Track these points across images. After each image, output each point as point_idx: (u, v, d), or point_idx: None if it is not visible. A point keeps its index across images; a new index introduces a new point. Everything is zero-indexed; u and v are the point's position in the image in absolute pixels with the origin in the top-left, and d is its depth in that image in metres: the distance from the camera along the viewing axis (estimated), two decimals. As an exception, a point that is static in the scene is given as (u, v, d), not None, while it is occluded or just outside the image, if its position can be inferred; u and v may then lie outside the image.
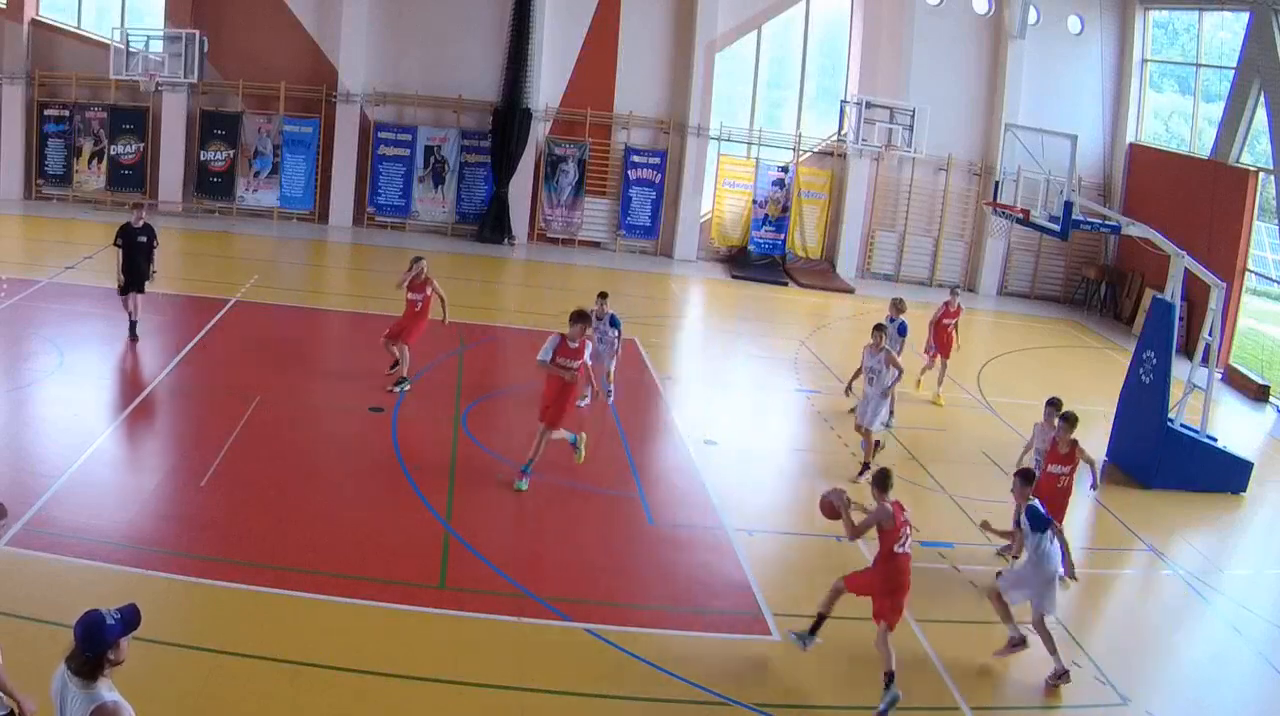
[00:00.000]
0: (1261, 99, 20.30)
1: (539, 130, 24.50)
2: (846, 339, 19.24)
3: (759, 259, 25.17)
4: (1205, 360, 14.29)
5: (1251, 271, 21.16)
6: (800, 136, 25.60)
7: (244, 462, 11.19)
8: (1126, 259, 24.39)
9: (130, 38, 21.56)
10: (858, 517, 8.54)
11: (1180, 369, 14.71)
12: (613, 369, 14.12)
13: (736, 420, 15.01)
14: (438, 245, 23.31)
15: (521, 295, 21.41)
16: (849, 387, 13.67)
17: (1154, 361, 13.88)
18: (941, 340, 16.06)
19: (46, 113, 23.33)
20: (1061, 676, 8.70)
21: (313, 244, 23.15)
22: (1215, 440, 14.16)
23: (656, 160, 24.95)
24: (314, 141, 24.11)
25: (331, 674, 7.69)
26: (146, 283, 14.68)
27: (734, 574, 10.12)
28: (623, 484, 12.04)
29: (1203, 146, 22.78)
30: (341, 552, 9.53)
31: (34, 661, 5.66)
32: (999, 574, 9.67)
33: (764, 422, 15.29)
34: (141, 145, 23.59)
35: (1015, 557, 10.67)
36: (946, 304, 16.15)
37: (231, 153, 23.88)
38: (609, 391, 14.14)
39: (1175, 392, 14.12)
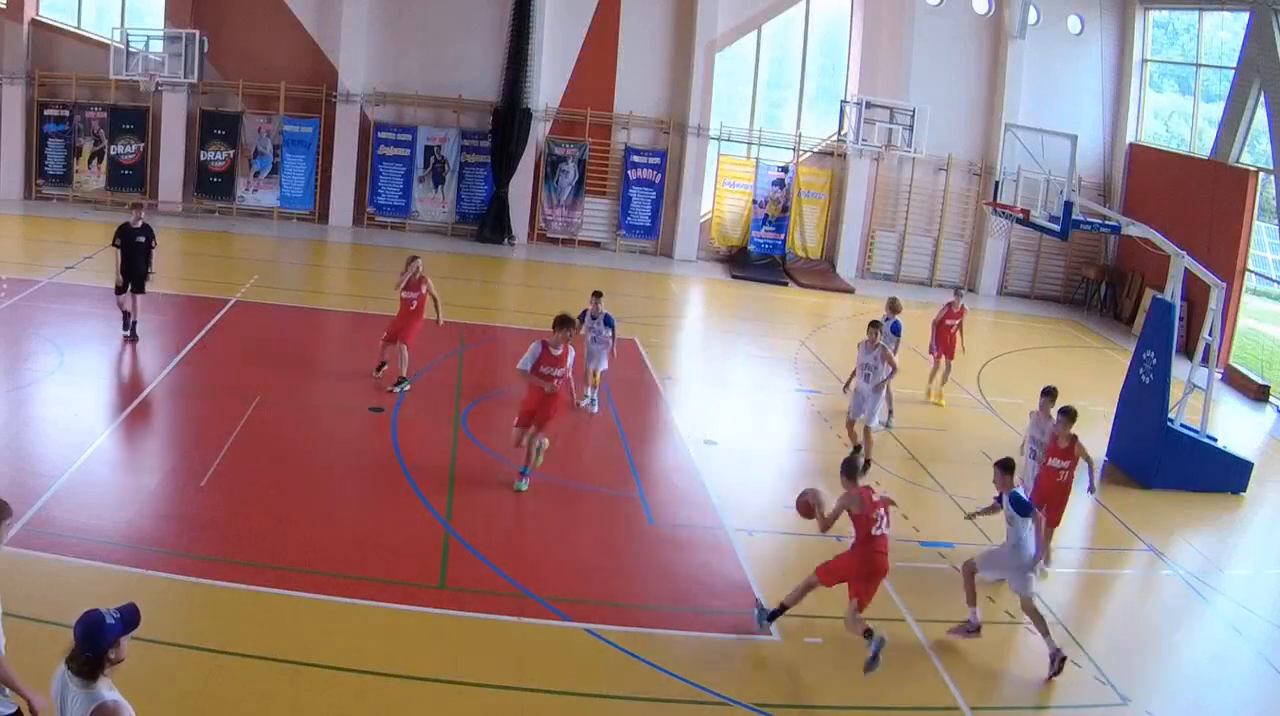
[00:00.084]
0: (1261, 99, 20.30)
1: (539, 130, 24.50)
2: (846, 339, 19.21)
3: (759, 259, 25.17)
4: (1205, 360, 14.29)
5: (1251, 271, 21.16)
6: (800, 136, 25.60)
7: (244, 462, 11.19)
8: (1126, 259, 24.39)
9: (130, 38, 21.55)
10: (829, 511, 8.66)
11: (1180, 369, 14.71)
12: (604, 369, 14.03)
13: (736, 420, 15.01)
14: (438, 245, 23.31)
15: (521, 295, 21.41)
16: (847, 386, 13.69)
17: (1154, 361, 13.88)
18: (944, 341, 16.05)
19: (46, 113, 23.34)
20: (1056, 657, 8.70)
21: (313, 244, 23.16)
22: (1215, 440, 14.16)
23: (656, 160, 24.95)
24: (314, 141, 24.11)
25: (331, 674, 7.69)
26: (145, 283, 14.68)
27: (734, 574, 10.12)
28: (623, 484, 12.04)
29: (1203, 146, 22.78)
30: (341, 552, 9.53)
31: (34, 661, 5.66)
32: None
33: (764, 422, 15.29)
34: (141, 145, 23.60)
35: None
36: (949, 305, 16.15)
37: (231, 153, 23.88)
38: (592, 400, 13.95)
39: (1175, 393, 14.12)
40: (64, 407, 12.38)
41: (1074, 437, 10.61)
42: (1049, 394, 11.32)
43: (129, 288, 14.50)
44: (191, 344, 14.98)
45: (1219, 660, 9.68)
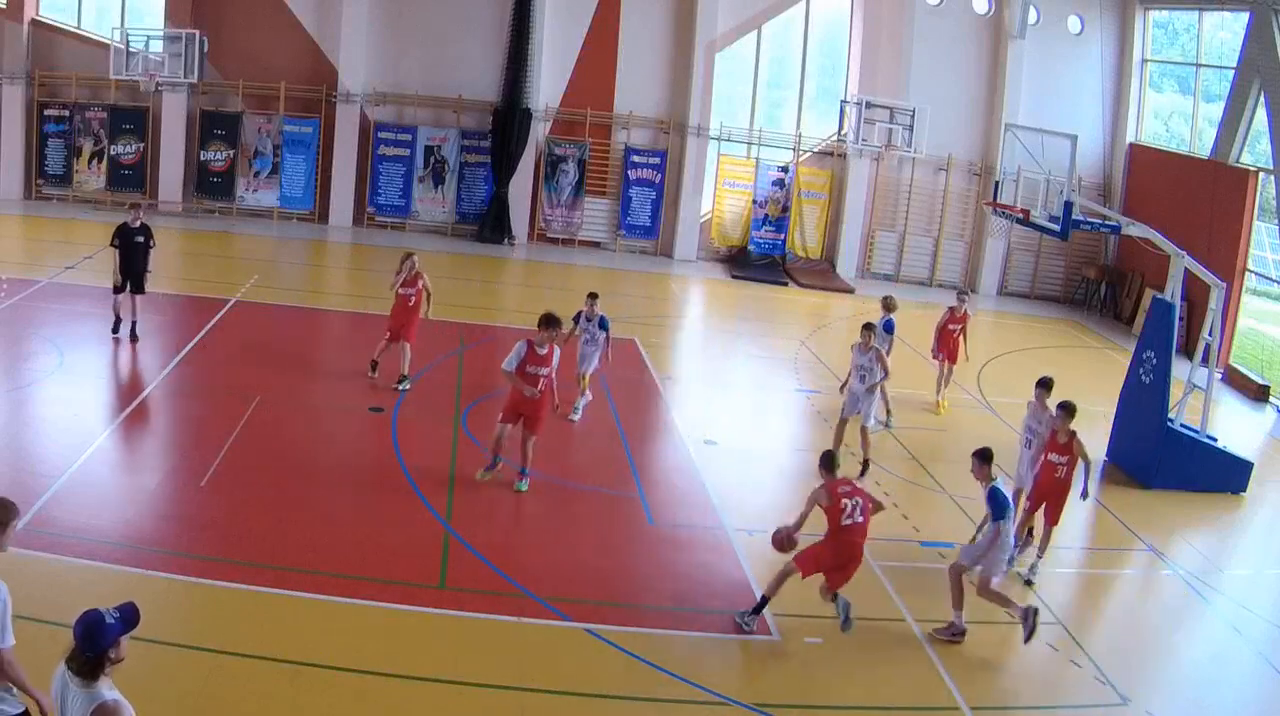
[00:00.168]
0: (1261, 99, 20.30)
1: (539, 130, 24.50)
2: (846, 339, 19.11)
3: (759, 259, 25.17)
4: (1205, 360, 14.29)
5: (1251, 271, 21.16)
6: (800, 136, 25.60)
7: (244, 463, 11.19)
8: (1126, 259, 24.39)
9: (130, 38, 21.54)
10: (795, 518, 8.98)
11: (1180, 369, 14.72)
12: (594, 370, 13.94)
13: (736, 420, 15.02)
14: (438, 245, 23.31)
15: (521, 295, 21.40)
16: (844, 386, 13.70)
17: (1154, 361, 13.88)
18: (947, 346, 16.01)
19: (46, 113, 23.33)
20: (1028, 613, 8.91)
21: (313, 244, 23.15)
22: (1215, 440, 14.16)
23: (656, 160, 24.95)
24: (314, 141, 24.10)
25: (331, 674, 7.69)
26: (145, 283, 14.67)
27: (734, 574, 10.11)
28: (623, 484, 12.04)
29: (1203, 146, 22.78)
30: (341, 552, 9.53)
31: (34, 661, 5.65)
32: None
33: (764, 422, 15.30)
34: (141, 145, 23.59)
35: (1024, 544, 10.83)
36: (952, 310, 16.09)
37: (231, 153, 23.87)
38: (576, 408, 13.82)
39: (1175, 392, 14.12)
40: (64, 407, 12.38)
41: (1073, 433, 10.61)
42: (1044, 385, 11.37)
43: (128, 288, 14.51)
44: (191, 344, 14.98)
45: (1219, 660, 9.68)
